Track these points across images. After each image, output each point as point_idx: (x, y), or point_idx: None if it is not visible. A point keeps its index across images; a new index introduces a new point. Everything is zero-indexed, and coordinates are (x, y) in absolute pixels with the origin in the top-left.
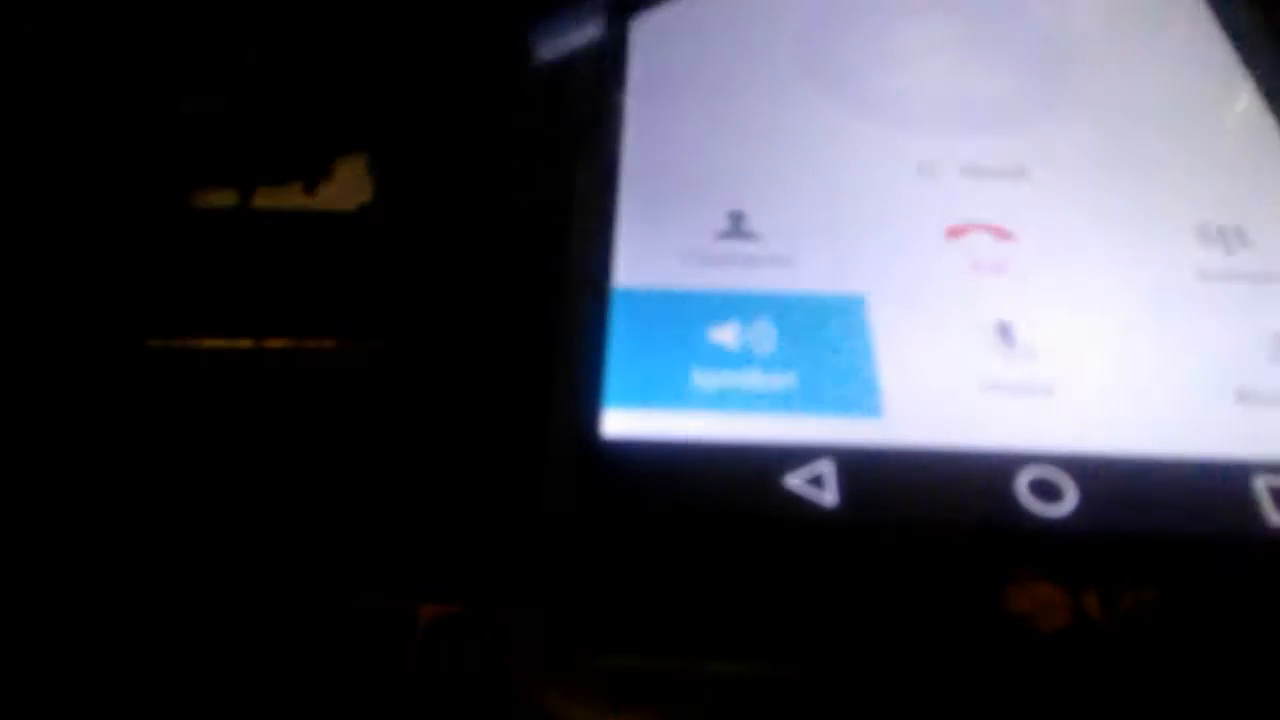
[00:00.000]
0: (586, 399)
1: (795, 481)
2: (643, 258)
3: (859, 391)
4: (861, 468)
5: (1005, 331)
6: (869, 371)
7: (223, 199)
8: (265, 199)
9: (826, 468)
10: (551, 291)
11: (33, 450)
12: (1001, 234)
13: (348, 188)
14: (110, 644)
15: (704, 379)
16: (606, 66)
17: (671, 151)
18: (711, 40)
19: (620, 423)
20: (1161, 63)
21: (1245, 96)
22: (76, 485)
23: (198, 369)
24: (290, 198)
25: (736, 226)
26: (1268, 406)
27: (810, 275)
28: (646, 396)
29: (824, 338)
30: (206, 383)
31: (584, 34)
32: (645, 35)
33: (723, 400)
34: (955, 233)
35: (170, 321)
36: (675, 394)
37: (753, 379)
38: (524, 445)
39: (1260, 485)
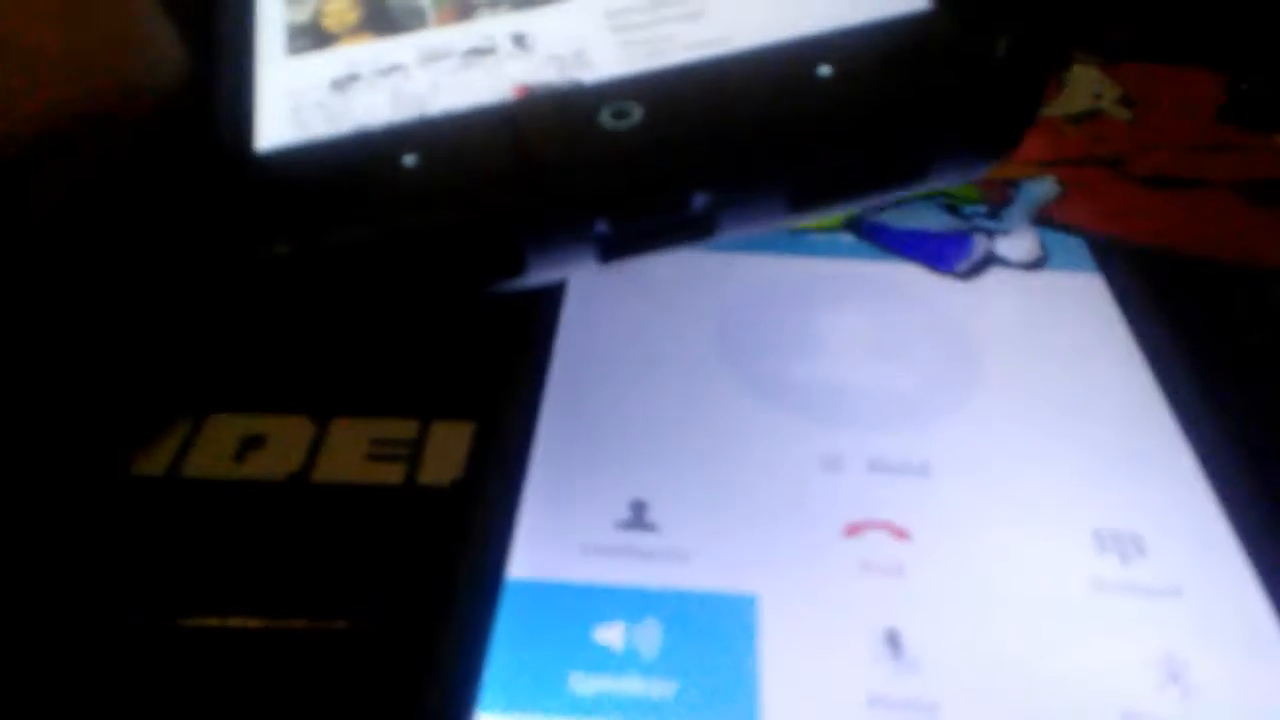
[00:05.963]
0: (462, 704)
1: None
2: (542, 547)
3: (738, 712)
4: None
5: (894, 640)
6: (751, 686)
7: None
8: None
9: None
10: (449, 579)
11: None
12: (899, 534)
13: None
14: None
15: (583, 684)
16: (527, 351)
17: (584, 430)
18: (635, 320)
19: None
20: (1069, 365)
21: (1151, 402)
22: None
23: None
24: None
25: (638, 517)
26: None
27: (705, 572)
28: (523, 702)
29: (711, 643)
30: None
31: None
32: (573, 311)
33: (597, 708)
34: (853, 530)
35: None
36: (551, 700)
37: (633, 686)
38: None
39: None
